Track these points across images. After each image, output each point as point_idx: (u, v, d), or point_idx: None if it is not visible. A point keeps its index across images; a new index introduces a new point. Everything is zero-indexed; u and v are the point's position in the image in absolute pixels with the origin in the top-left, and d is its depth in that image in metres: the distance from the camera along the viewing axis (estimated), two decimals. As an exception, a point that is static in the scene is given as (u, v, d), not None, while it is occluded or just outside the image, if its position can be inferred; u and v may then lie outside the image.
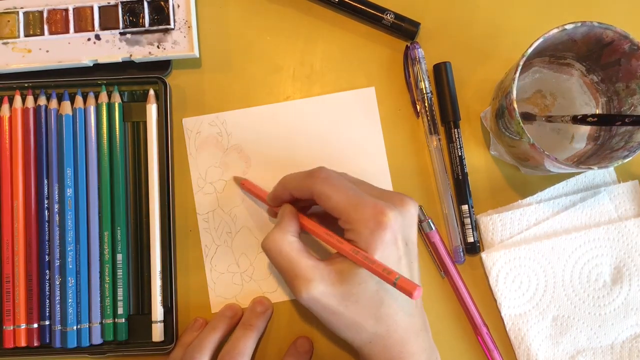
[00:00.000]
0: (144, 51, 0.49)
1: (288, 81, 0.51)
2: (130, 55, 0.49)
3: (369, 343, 0.41)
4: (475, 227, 0.49)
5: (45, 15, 0.50)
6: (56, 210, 0.48)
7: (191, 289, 0.49)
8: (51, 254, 0.48)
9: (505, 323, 0.48)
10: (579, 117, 0.43)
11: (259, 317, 0.47)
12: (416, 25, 0.50)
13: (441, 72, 0.50)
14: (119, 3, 0.49)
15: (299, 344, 0.48)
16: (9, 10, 0.50)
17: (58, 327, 0.47)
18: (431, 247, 0.49)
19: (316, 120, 0.50)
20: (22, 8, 0.50)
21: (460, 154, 0.49)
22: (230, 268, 0.49)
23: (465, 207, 0.48)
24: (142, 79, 0.50)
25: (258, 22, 0.52)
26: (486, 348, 0.48)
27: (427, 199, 0.50)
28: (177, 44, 0.50)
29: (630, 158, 0.41)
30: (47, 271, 0.48)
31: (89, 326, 0.48)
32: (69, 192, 0.48)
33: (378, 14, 0.50)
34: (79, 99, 0.49)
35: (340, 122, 0.50)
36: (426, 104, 0.49)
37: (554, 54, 0.46)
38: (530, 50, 0.41)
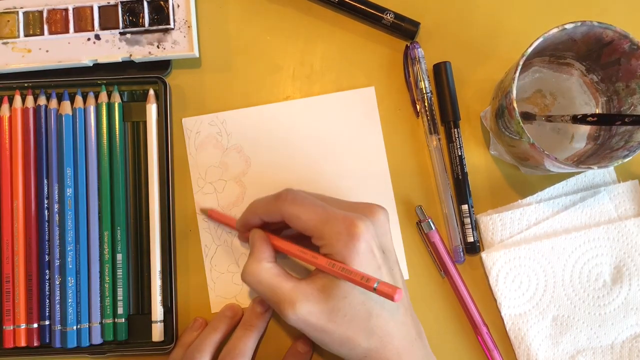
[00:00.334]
0: (143, 51, 0.49)
1: (288, 81, 0.51)
2: (130, 55, 0.49)
3: (364, 358, 0.40)
4: (475, 226, 0.49)
5: (45, 15, 0.50)
6: (56, 210, 0.48)
7: (191, 289, 0.49)
8: (51, 254, 0.48)
9: (505, 323, 0.48)
10: (579, 116, 0.43)
11: (260, 317, 0.47)
12: (416, 25, 0.50)
13: (441, 72, 0.50)
14: (119, 3, 0.49)
15: (299, 345, 0.48)
16: (8, 10, 0.50)
17: (58, 327, 0.47)
18: (431, 247, 0.49)
19: (316, 120, 0.50)
20: (22, 8, 0.50)
21: (460, 153, 0.49)
22: (230, 268, 0.49)
23: (465, 207, 0.48)
24: (142, 79, 0.50)
25: (258, 22, 0.52)
26: (486, 348, 0.48)
27: (427, 198, 0.50)
28: (177, 43, 0.50)
29: (630, 158, 0.41)
30: (47, 271, 0.48)
31: (89, 326, 0.48)
32: (69, 192, 0.48)
33: (378, 13, 0.50)
34: (78, 99, 0.49)
35: (340, 122, 0.50)
36: (426, 104, 0.49)
37: (553, 53, 0.46)
38: (530, 50, 0.41)
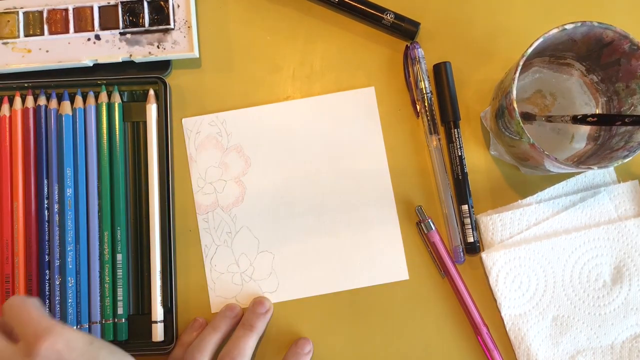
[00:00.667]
0: (143, 51, 0.49)
1: (288, 81, 0.51)
2: (130, 55, 0.49)
3: None
4: (475, 227, 0.49)
5: (45, 15, 0.50)
6: (56, 210, 0.48)
7: (191, 289, 0.49)
8: (51, 254, 0.48)
9: (505, 323, 0.48)
10: (579, 117, 0.43)
11: (260, 317, 0.47)
12: (416, 25, 0.50)
13: (441, 72, 0.50)
14: (119, 3, 0.49)
15: (300, 345, 0.48)
16: (9, 10, 0.50)
17: (58, 327, 0.47)
18: (431, 247, 0.49)
19: (316, 120, 0.50)
20: (22, 8, 0.50)
21: (460, 153, 0.49)
22: (230, 268, 0.49)
23: (465, 207, 0.48)
24: (142, 79, 0.50)
25: (258, 22, 0.52)
26: (486, 348, 0.48)
27: (427, 198, 0.50)
28: (177, 44, 0.50)
29: (630, 158, 0.41)
30: (47, 271, 0.48)
31: (89, 326, 0.48)
32: (69, 192, 0.48)
33: (378, 14, 0.50)
34: (78, 99, 0.49)
35: (340, 122, 0.50)
36: (426, 104, 0.49)
37: (554, 54, 0.46)
38: (530, 50, 0.41)
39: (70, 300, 0.47)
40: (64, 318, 0.47)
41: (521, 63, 0.41)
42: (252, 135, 0.50)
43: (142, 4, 0.49)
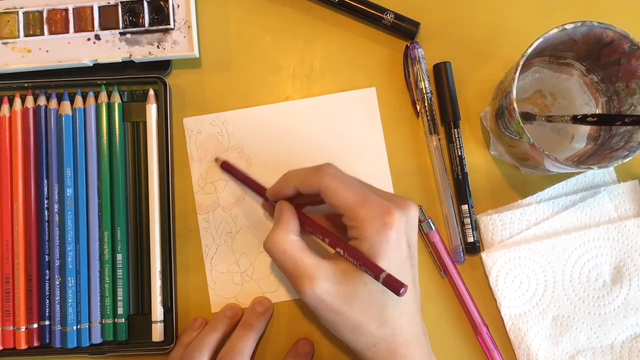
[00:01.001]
0: (143, 51, 0.49)
1: (288, 81, 0.51)
2: (130, 55, 0.49)
3: (373, 346, 0.40)
4: (475, 227, 0.49)
5: (45, 15, 0.50)
6: (56, 210, 0.48)
7: (191, 289, 0.49)
8: (51, 254, 0.48)
9: (505, 323, 0.48)
10: (579, 117, 0.43)
11: (259, 317, 0.47)
12: (416, 25, 0.50)
13: (441, 72, 0.50)
14: (119, 3, 0.49)
15: (300, 345, 0.48)
16: (9, 10, 0.50)
17: (58, 327, 0.47)
18: (431, 247, 0.49)
19: (317, 121, 0.50)
20: (22, 8, 0.50)
21: (460, 153, 0.49)
22: (231, 268, 0.49)
23: (465, 207, 0.48)
24: (142, 79, 0.50)
25: (258, 22, 0.52)
26: (486, 348, 0.48)
27: (427, 198, 0.50)
28: (177, 44, 0.50)
29: (630, 158, 0.41)
30: (47, 271, 0.48)
31: (89, 326, 0.48)
32: (69, 192, 0.48)
33: (378, 14, 0.50)
34: (78, 99, 0.49)
35: (341, 123, 0.50)
36: (426, 104, 0.49)
37: (554, 53, 0.46)
38: (530, 50, 0.41)
39: (70, 300, 0.47)
40: (64, 318, 0.47)
41: (521, 63, 0.41)
42: (253, 135, 0.50)
43: (142, 4, 0.49)
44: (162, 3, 0.49)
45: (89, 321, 0.48)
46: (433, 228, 0.48)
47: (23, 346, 0.47)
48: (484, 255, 0.48)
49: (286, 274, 0.41)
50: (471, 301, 0.48)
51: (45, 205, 0.48)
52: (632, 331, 0.47)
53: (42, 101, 0.49)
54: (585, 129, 0.48)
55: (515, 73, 0.41)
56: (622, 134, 0.44)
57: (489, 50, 0.51)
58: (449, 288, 0.49)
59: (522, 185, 0.50)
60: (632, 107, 0.44)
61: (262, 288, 0.49)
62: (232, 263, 0.49)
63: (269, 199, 0.46)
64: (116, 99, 0.49)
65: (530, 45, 0.41)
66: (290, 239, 0.41)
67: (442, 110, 0.50)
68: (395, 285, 0.37)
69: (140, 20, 0.49)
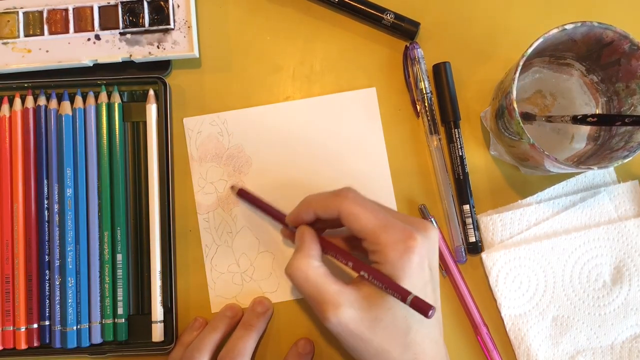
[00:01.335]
0: (143, 51, 0.49)
1: (288, 81, 0.51)
2: (130, 55, 0.49)
3: None
4: (477, 226, 0.49)
5: (45, 15, 0.50)
6: (56, 210, 0.48)
7: (191, 289, 0.49)
8: (51, 254, 0.48)
9: (505, 323, 0.48)
10: (579, 117, 0.43)
11: (259, 317, 0.47)
12: (416, 25, 0.50)
13: (441, 72, 0.50)
14: (119, 3, 0.49)
15: (300, 345, 0.48)
16: (9, 10, 0.50)
17: (58, 327, 0.47)
18: (431, 247, 0.49)
19: (317, 121, 0.50)
20: (22, 8, 0.50)
21: (460, 153, 0.49)
22: (231, 268, 0.49)
23: (466, 207, 0.48)
24: (142, 79, 0.50)
25: (258, 22, 0.52)
26: (486, 348, 0.48)
27: (427, 199, 0.50)
28: (177, 44, 0.50)
29: (630, 158, 0.41)
30: (47, 271, 0.48)
31: (89, 326, 0.48)
32: (69, 192, 0.48)
33: (378, 14, 0.50)
34: (78, 99, 0.49)
35: (342, 123, 0.50)
36: (426, 104, 0.49)
37: (554, 54, 0.46)
38: (530, 50, 0.41)
39: (70, 300, 0.47)
40: (64, 318, 0.47)
41: (521, 63, 0.41)
42: (254, 135, 0.50)
43: (142, 4, 0.49)
44: (162, 3, 0.49)
45: (89, 321, 0.48)
46: (435, 227, 0.48)
47: (23, 346, 0.47)
48: (484, 255, 0.48)
49: (309, 300, 0.41)
50: (472, 301, 0.48)
51: (45, 205, 0.48)
52: (632, 331, 0.47)
53: (42, 101, 0.49)
54: (585, 129, 0.48)
55: (515, 73, 0.41)
56: (622, 134, 0.44)
57: (489, 50, 0.51)
58: (449, 288, 0.49)
59: (522, 185, 0.50)
60: (632, 107, 0.44)
61: (262, 288, 0.49)
62: (232, 263, 0.49)
63: (289, 225, 0.46)
64: (116, 99, 0.49)
65: (530, 46, 0.41)
66: (313, 265, 0.41)
67: (442, 110, 0.50)
68: (423, 307, 0.36)
69: (140, 20, 0.49)
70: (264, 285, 0.49)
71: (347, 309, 0.39)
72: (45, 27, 0.50)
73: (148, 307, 0.48)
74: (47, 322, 0.48)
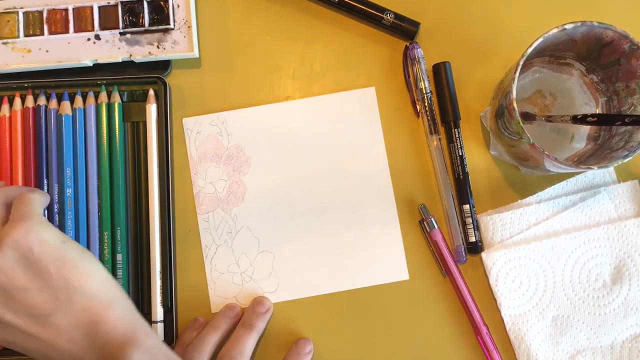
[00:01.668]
0: (143, 51, 0.49)
1: (288, 81, 0.51)
2: (130, 55, 0.49)
3: None
4: (477, 226, 0.49)
5: (45, 15, 0.50)
6: (56, 210, 0.48)
7: (191, 289, 0.49)
8: (51, 254, 0.48)
9: (505, 323, 0.48)
10: (579, 117, 0.43)
11: (259, 317, 0.47)
12: (416, 25, 0.50)
13: (440, 72, 0.50)
14: (119, 3, 0.49)
15: (300, 345, 0.48)
16: (8, 10, 0.50)
17: (58, 327, 0.47)
18: (433, 246, 0.49)
19: (316, 120, 0.50)
20: (22, 8, 0.50)
21: (460, 153, 0.49)
22: (231, 268, 0.49)
23: (466, 207, 0.48)
24: (141, 79, 0.50)
25: (258, 22, 0.52)
26: (486, 348, 0.48)
27: (427, 198, 0.50)
28: (177, 44, 0.50)
29: (630, 158, 0.41)
30: (47, 271, 0.48)
31: (89, 326, 0.48)
32: (69, 192, 0.48)
33: (378, 14, 0.50)
34: (78, 99, 0.49)
35: (341, 122, 0.50)
36: (426, 104, 0.49)
37: (553, 53, 0.46)
38: (530, 50, 0.41)
39: (70, 301, 0.47)
40: (64, 318, 0.47)
41: (521, 63, 0.41)
42: (253, 135, 0.50)
43: (142, 4, 0.49)
44: (162, 3, 0.49)
45: (89, 321, 0.48)
46: (436, 227, 0.48)
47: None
48: (484, 255, 0.48)
49: None
50: (472, 301, 0.48)
51: (45, 205, 0.48)
52: (632, 331, 0.47)
53: (42, 101, 0.49)
54: (585, 129, 0.48)
55: (515, 73, 0.41)
56: (622, 134, 0.44)
57: (489, 50, 0.51)
58: (449, 288, 0.49)
59: (522, 185, 0.50)
60: (632, 107, 0.44)
61: (262, 288, 0.49)
62: (232, 263, 0.49)
63: None
64: (116, 99, 0.49)
65: (530, 45, 0.41)
66: None
67: (442, 110, 0.50)
68: None
69: (140, 20, 0.49)
70: (264, 285, 0.49)
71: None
72: (45, 27, 0.50)
73: (148, 307, 0.48)
74: (47, 322, 0.48)
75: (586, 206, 0.48)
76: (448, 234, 0.49)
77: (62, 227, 0.48)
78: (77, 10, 0.50)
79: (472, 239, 0.48)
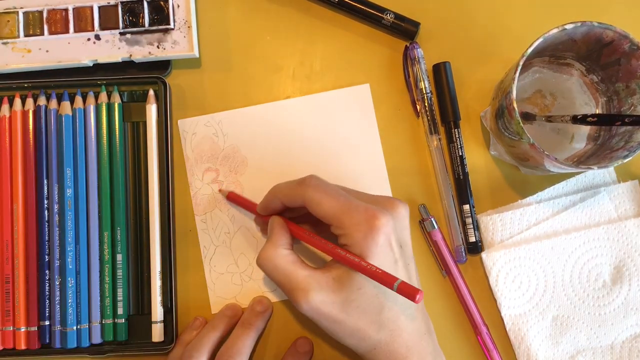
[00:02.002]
0: (143, 51, 0.49)
1: (288, 81, 0.51)
2: (130, 55, 0.49)
3: (373, 350, 0.40)
4: (477, 226, 0.49)
5: (45, 15, 0.50)
6: (56, 210, 0.48)
7: (191, 289, 0.49)
8: (51, 254, 0.48)
9: (505, 323, 0.48)
10: (579, 117, 0.43)
11: (259, 316, 0.47)
12: (416, 25, 0.50)
13: (441, 72, 0.50)
14: (119, 3, 0.49)
15: (299, 345, 0.48)
16: (8, 10, 0.50)
17: (58, 328, 0.47)
18: (433, 246, 0.49)
19: (311, 119, 0.50)
20: (22, 8, 0.50)
21: (460, 153, 0.49)
22: (230, 268, 0.49)
23: (466, 207, 0.48)
24: (141, 79, 0.50)
25: (258, 22, 0.52)
26: (486, 348, 0.48)
27: (428, 198, 0.50)
28: (177, 44, 0.50)
29: (630, 158, 0.41)
30: (47, 271, 0.48)
31: (89, 326, 0.48)
32: (69, 192, 0.48)
33: (378, 13, 0.50)
34: (78, 99, 0.49)
35: (336, 120, 0.50)
36: (426, 104, 0.49)
37: (554, 53, 0.46)
38: (530, 50, 0.41)
39: (70, 301, 0.47)
40: (63, 318, 0.47)
41: (521, 63, 0.41)
42: (248, 135, 0.50)
43: (142, 4, 0.49)
44: (162, 3, 0.49)
45: (89, 321, 0.48)
46: (436, 227, 0.48)
47: (23, 346, 0.47)
48: (484, 255, 0.48)
49: (281, 288, 0.41)
50: (472, 301, 0.48)
51: (45, 206, 0.48)
52: (632, 331, 0.47)
53: (42, 101, 0.49)
54: (585, 129, 0.48)
55: (515, 73, 0.41)
56: (622, 134, 0.44)
57: (489, 50, 0.51)
58: (449, 288, 0.49)
59: (522, 185, 0.50)
60: (632, 107, 0.44)
61: (261, 288, 0.49)
62: (231, 263, 0.49)
63: (261, 214, 0.46)
64: (116, 99, 0.49)
65: (530, 45, 0.41)
66: (281, 254, 0.41)
67: (442, 110, 0.50)
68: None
69: (140, 20, 0.49)
70: (264, 284, 0.49)
71: (317, 293, 0.39)
72: (45, 27, 0.50)
73: (148, 307, 0.48)
74: (47, 322, 0.48)
75: (586, 206, 0.48)
76: (448, 234, 0.49)
77: (62, 227, 0.48)
78: (77, 10, 0.50)
79: (472, 239, 0.48)
